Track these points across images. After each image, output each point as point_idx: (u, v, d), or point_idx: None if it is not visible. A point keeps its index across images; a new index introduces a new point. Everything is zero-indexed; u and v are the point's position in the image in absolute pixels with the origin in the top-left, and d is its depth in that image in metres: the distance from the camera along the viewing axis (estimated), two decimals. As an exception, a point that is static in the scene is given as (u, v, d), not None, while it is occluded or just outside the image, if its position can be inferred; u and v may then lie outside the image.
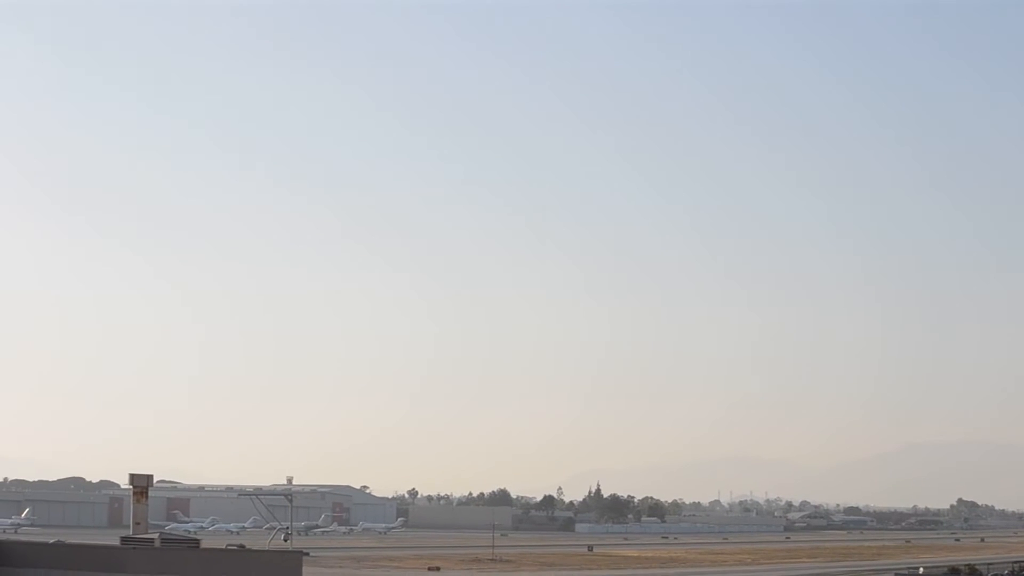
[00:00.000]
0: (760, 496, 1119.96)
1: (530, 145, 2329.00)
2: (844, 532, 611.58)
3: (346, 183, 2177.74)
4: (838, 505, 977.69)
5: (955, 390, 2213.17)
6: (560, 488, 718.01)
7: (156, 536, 61.76)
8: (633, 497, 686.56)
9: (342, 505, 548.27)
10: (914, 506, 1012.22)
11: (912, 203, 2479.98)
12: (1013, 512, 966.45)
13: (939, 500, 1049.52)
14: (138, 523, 65.11)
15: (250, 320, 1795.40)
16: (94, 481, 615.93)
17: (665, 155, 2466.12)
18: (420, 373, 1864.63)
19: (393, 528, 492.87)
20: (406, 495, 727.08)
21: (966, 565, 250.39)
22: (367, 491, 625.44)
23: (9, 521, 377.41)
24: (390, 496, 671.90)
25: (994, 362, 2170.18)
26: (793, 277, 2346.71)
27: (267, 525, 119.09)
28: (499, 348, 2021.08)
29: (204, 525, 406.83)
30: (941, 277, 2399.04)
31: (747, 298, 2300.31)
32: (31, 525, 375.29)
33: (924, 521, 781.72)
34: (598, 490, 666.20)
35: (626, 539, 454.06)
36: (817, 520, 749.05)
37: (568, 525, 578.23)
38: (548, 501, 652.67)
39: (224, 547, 69.95)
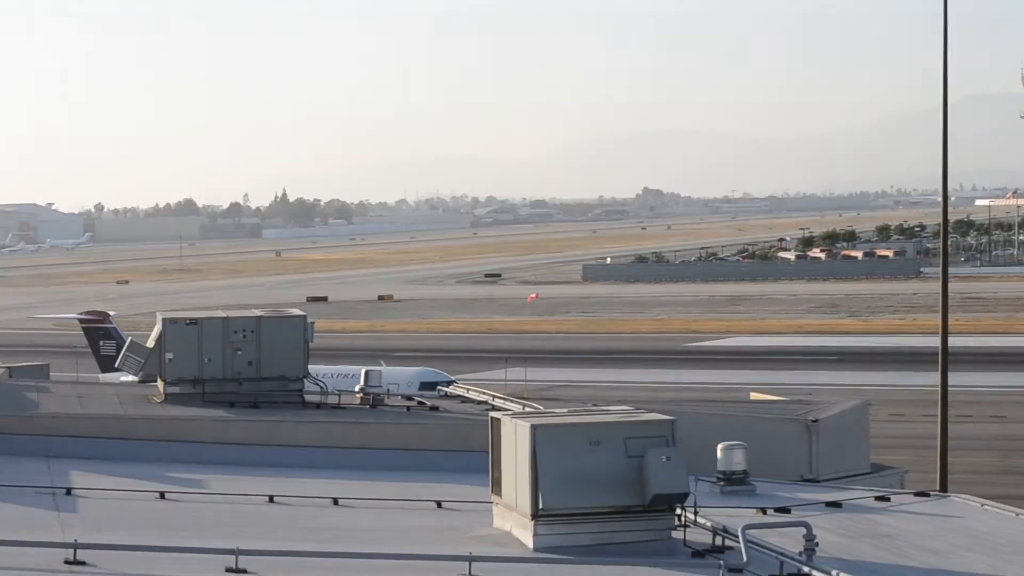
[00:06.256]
0: (446, 194, 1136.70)
1: None
2: (531, 226, 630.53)
3: None
4: (524, 199, 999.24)
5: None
6: (246, 195, 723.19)
7: None
8: (319, 200, 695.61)
9: (28, 224, 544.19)
10: (600, 197, 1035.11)
11: None
12: (699, 199, 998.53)
13: (625, 190, 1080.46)
14: None
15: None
16: None
17: None
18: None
19: (81, 243, 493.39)
20: (92, 210, 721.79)
21: (653, 253, 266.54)
22: (52, 208, 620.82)
23: None
24: (76, 212, 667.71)
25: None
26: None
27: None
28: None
29: None
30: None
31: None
32: None
33: (611, 212, 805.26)
34: (284, 195, 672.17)
35: (314, 243, 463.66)
36: (504, 215, 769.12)
37: (256, 232, 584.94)
38: (235, 208, 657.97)
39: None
